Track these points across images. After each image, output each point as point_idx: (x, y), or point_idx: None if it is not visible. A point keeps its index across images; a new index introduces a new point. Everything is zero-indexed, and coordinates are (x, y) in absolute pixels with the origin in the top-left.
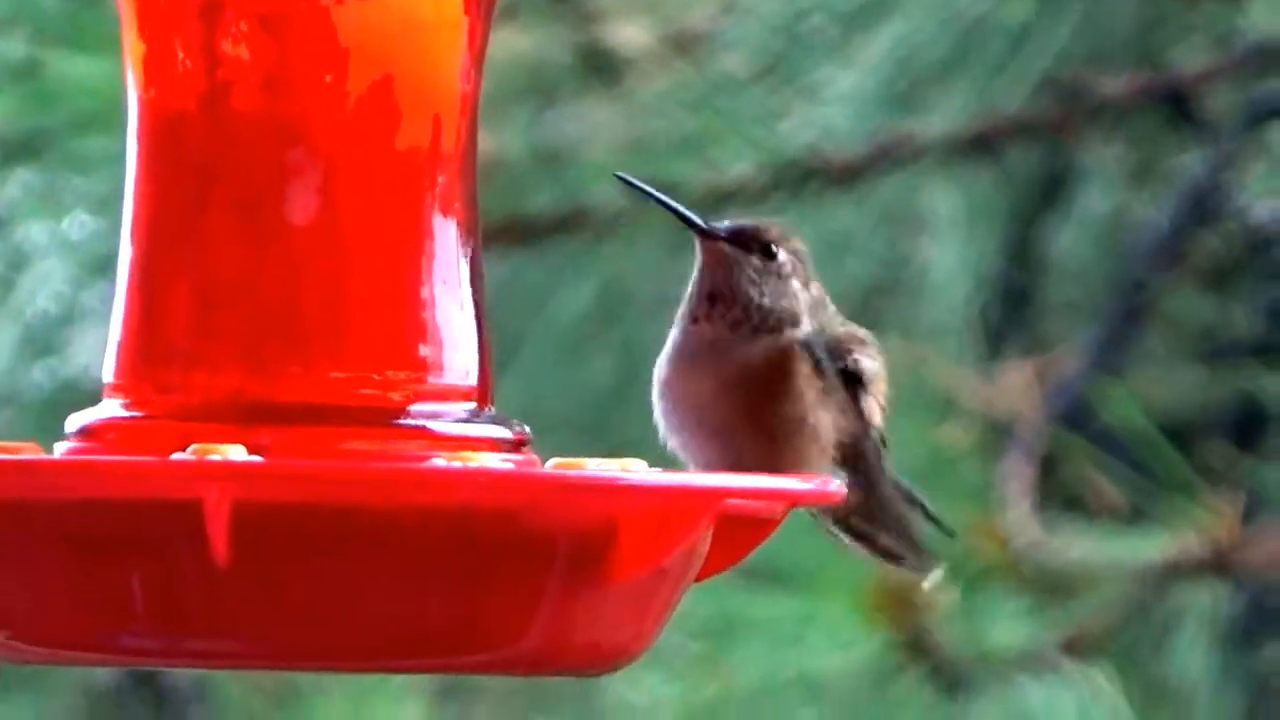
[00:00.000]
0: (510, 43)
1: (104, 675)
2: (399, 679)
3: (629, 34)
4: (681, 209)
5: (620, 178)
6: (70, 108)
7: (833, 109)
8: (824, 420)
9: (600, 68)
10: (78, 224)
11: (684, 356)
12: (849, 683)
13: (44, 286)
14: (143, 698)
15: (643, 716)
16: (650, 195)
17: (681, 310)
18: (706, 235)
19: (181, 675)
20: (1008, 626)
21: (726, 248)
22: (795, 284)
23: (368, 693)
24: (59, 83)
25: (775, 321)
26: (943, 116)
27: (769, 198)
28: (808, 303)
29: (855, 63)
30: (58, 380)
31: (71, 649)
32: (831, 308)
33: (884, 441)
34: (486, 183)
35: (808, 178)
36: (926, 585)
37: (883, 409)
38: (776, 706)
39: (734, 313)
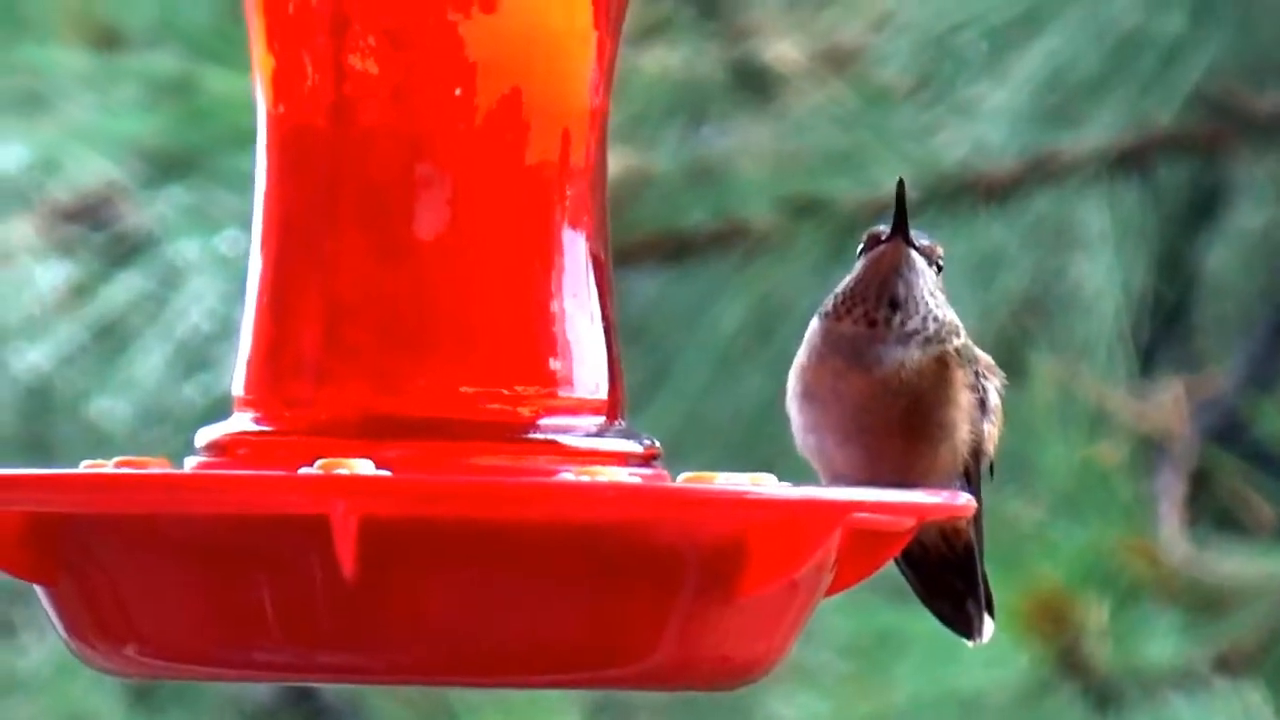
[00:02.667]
0: (662, 59)
1: (256, 692)
2: (550, 694)
3: (781, 50)
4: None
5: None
6: (221, 124)
7: (985, 124)
8: (966, 432)
9: (752, 84)
10: (229, 240)
11: (836, 355)
12: (1000, 700)
13: (196, 303)
14: (296, 715)
15: None
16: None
17: (824, 310)
18: (906, 239)
19: (334, 691)
20: (1159, 643)
21: (917, 256)
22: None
23: (519, 708)
24: (210, 99)
25: (945, 331)
26: (1094, 131)
27: (921, 213)
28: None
29: (1007, 78)
30: (210, 397)
31: (199, 663)
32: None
33: (991, 471)
34: (638, 199)
35: (960, 193)
36: (973, 642)
37: (993, 441)
38: None
39: (913, 321)
